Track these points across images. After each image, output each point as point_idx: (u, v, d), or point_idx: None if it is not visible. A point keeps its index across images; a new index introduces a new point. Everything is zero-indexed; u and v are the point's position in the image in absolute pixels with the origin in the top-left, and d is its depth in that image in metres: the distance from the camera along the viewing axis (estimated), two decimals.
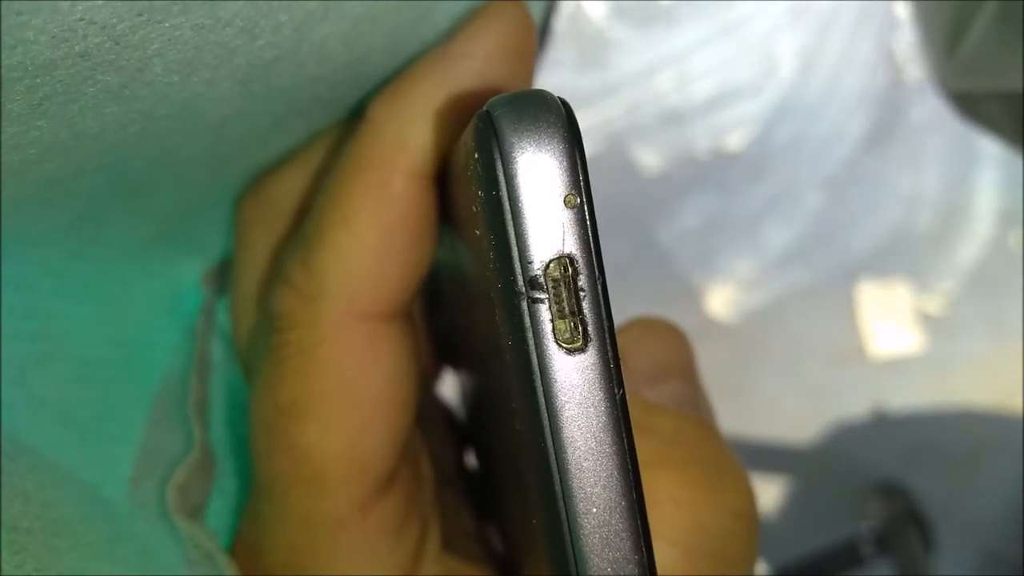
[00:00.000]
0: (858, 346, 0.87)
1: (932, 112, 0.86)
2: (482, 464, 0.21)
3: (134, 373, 0.17)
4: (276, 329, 0.16)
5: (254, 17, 0.12)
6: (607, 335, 0.12)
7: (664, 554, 0.15)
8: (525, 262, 0.11)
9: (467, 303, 0.15)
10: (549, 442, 0.12)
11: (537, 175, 0.11)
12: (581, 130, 0.11)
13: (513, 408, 0.12)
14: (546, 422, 0.12)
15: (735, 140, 0.87)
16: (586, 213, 0.11)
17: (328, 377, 0.15)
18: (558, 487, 0.12)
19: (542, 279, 0.11)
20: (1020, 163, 0.75)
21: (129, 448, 0.16)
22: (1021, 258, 0.86)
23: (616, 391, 0.12)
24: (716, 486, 0.15)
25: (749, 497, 0.16)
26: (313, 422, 0.15)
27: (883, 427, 0.86)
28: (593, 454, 0.12)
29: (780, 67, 0.87)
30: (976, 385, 0.86)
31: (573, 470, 0.12)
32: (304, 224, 0.16)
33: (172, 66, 0.12)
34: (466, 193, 0.12)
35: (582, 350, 0.11)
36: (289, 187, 0.18)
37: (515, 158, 0.11)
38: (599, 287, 0.11)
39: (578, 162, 0.11)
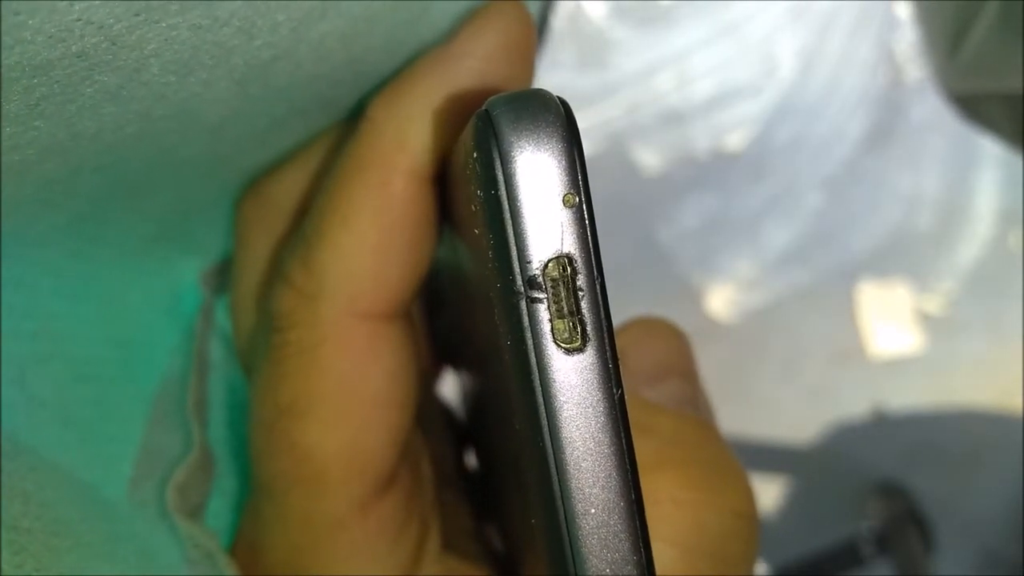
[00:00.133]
0: (858, 346, 0.87)
1: (932, 112, 0.85)
2: (482, 464, 0.21)
3: (134, 373, 0.17)
4: (276, 329, 0.16)
5: (251, 17, 0.12)
6: (606, 335, 0.12)
7: (664, 554, 0.15)
8: (524, 262, 0.11)
9: (466, 303, 0.15)
10: (548, 442, 0.12)
11: (536, 174, 0.11)
12: (581, 130, 0.11)
13: (512, 408, 0.12)
14: (545, 422, 0.12)
15: (735, 140, 0.87)
16: (585, 213, 0.11)
17: (328, 377, 0.15)
18: (557, 487, 0.12)
19: (541, 279, 0.11)
20: (1020, 163, 0.75)
21: (129, 448, 0.16)
22: (1021, 258, 0.86)
23: (615, 391, 0.12)
24: (716, 486, 0.15)
25: (749, 497, 0.16)
26: (313, 422, 0.15)
27: (883, 427, 0.86)
28: (592, 454, 0.12)
29: (780, 67, 0.87)
30: (976, 385, 0.86)
31: (572, 470, 0.12)
32: (304, 224, 0.16)
33: (169, 66, 0.12)
34: (465, 192, 0.12)
35: (581, 350, 0.11)
36: (289, 187, 0.18)
37: (514, 157, 0.11)
38: (598, 287, 0.11)
39: (577, 161, 0.11)
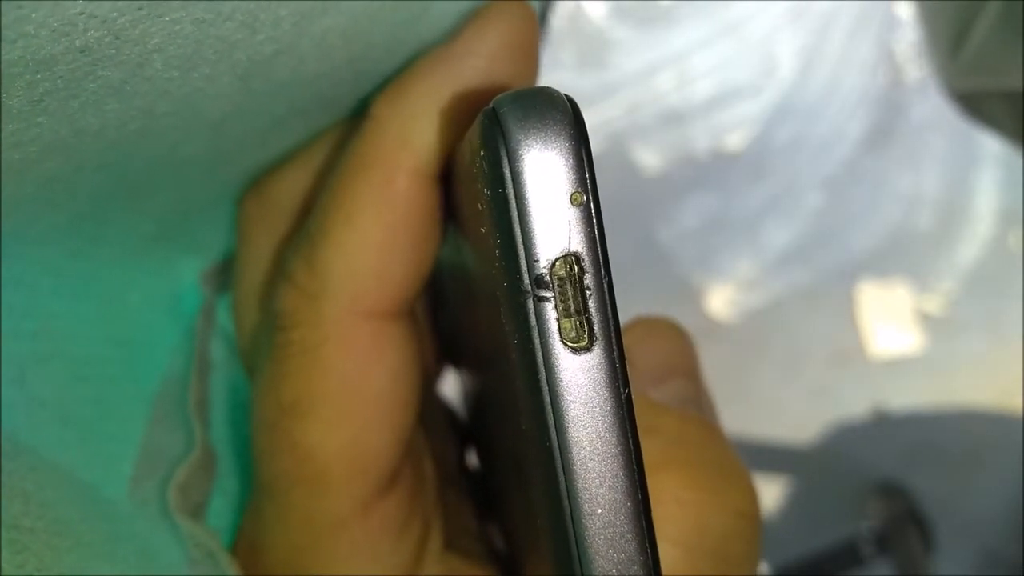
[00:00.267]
0: (858, 346, 0.87)
1: (932, 112, 0.86)
2: (484, 463, 0.21)
3: (134, 372, 0.17)
4: (279, 328, 0.16)
5: (254, 11, 0.12)
6: (613, 334, 0.11)
7: (667, 554, 0.15)
8: (531, 260, 0.11)
9: (471, 302, 0.15)
10: (554, 442, 0.12)
11: (543, 172, 0.11)
12: None
13: (518, 407, 0.12)
14: (551, 422, 0.12)
15: (735, 140, 0.87)
16: (592, 211, 0.11)
17: (331, 376, 0.15)
18: (563, 487, 0.12)
19: (548, 277, 0.11)
20: (1020, 163, 0.75)
21: (129, 447, 0.16)
22: (1021, 258, 0.86)
23: (622, 391, 0.12)
24: (719, 486, 0.15)
25: (752, 497, 0.16)
26: (316, 421, 0.15)
27: (883, 427, 0.86)
28: (599, 454, 0.12)
29: (780, 67, 0.87)
30: (976, 385, 0.86)
31: (578, 470, 0.12)
32: (307, 222, 0.16)
33: (172, 61, 0.12)
34: (471, 191, 0.12)
35: (588, 349, 0.11)
36: (292, 185, 0.18)
37: (521, 155, 0.11)
38: (605, 286, 0.11)
39: (585, 160, 0.11)
